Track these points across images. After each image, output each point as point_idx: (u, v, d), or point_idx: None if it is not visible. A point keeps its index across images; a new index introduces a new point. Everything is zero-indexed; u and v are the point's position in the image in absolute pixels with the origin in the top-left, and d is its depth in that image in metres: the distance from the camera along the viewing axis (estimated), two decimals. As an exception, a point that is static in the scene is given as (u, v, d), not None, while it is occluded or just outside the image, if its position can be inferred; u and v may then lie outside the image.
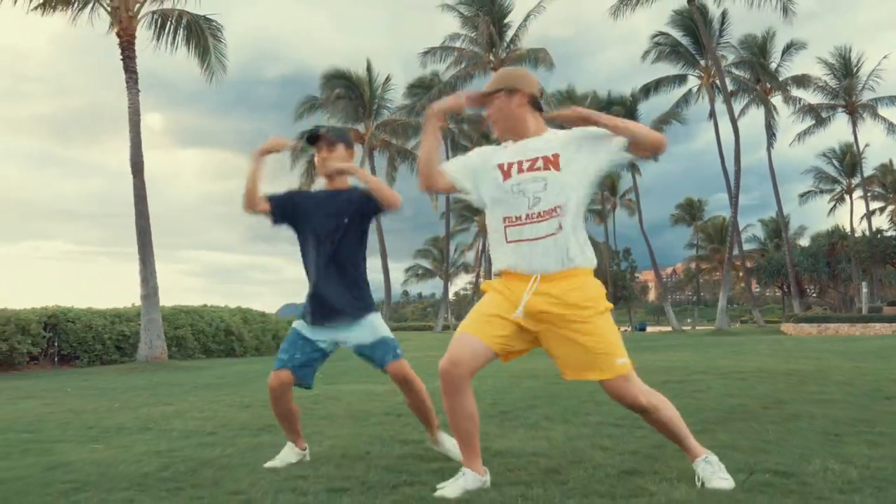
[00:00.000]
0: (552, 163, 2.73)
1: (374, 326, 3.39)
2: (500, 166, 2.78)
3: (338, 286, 3.36)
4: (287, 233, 3.52)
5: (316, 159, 3.57)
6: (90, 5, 15.10)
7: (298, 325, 3.44)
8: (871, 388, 6.15)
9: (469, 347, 2.70)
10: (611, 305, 2.78)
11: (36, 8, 14.94)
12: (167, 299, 18.88)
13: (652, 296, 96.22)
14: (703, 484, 2.73)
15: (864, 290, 35.05)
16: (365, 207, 3.43)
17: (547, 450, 3.63)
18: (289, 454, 3.45)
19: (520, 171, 2.74)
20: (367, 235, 3.55)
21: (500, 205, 2.77)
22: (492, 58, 35.10)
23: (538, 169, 2.73)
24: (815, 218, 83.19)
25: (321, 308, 3.37)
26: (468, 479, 2.75)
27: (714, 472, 2.76)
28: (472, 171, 2.90)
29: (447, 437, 3.43)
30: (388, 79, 32.62)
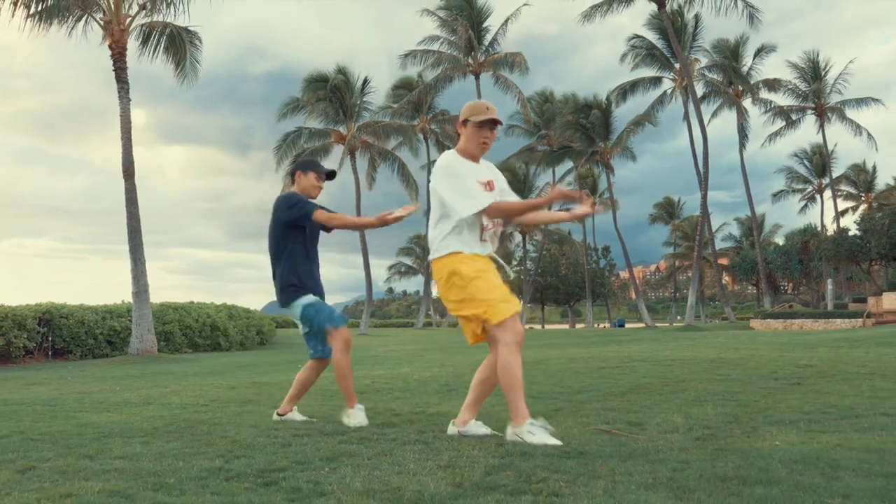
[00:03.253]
0: (490, 186, 3.67)
1: None
2: (482, 183, 3.63)
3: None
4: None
5: (317, 183, 4.60)
6: (84, 19, 15.97)
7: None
8: (770, 371, 7.18)
9: None
10: None
11: (30, 17, 15.74)
12: (153, 297, 19.73)
13: (634, 293, 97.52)
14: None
15: (830, 287, 36.43)
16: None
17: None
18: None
19: (487, 188, 3.64)
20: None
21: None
22: (470, 61, 36.09)
23: (490, 190, 3.65)
24: (792, 216, 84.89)
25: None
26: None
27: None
28: None
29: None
30: (366, 81, 33.52)
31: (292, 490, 2.58)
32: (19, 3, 15.22)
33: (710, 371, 7.37)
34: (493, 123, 3.63)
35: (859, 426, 3.70)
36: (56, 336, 16.73)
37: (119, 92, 15.59)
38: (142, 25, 16.46)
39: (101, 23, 15.89)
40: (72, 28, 15.96)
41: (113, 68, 15.67)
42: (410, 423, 4.14)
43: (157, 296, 20.49)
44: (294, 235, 4.43)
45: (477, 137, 3.62)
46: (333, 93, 32.61)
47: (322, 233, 4.61)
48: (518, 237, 51.98)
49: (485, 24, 36.18)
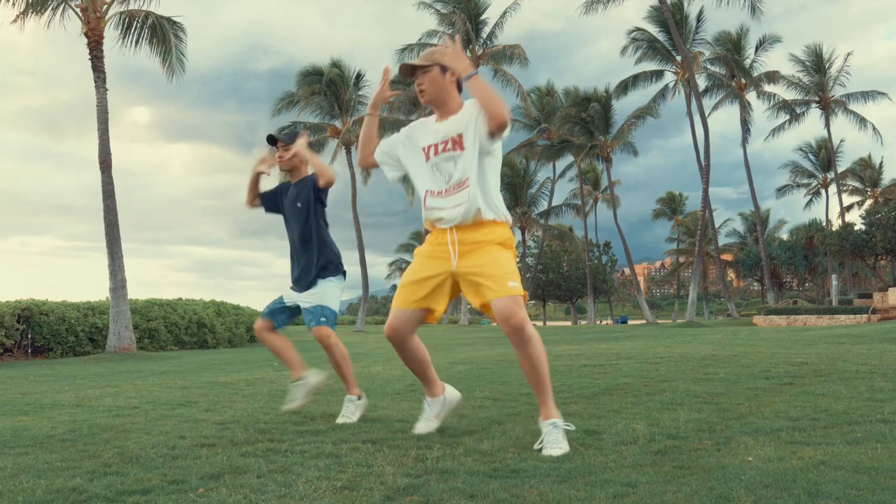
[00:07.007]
0: (458, 143, 3.19)
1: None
2: (424, 149, 3.29)
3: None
4: (275, 227, 4.27)
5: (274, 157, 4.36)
6: (60, 8, 15.48)
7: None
8: (762, 370, 6.66)
9: (402, 315, 3.32)
10: (512, 242, 3.28)
11: (14, 21, 15.36)
12: (157, 294, 19.39)
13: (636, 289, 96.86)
14: (541, 448, 2.99)
15: (835, 282, 35.82)
16: (314, 192, 4.30)
17: (414, 416, 4.11)
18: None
19: (436, 153, 3.25)
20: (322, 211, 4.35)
21: (422, 179, 3.31)
22: (468, 53, 35.53)
23: (450, 150, 3.22)
24: (797, 212, 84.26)
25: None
26: (433, 406, 3.56)
27: (555, 440, 3.00)
28: (395, 155, 3.44)
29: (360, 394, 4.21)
30: (359, 75, 33.01)
31: (137, 521, 2.08)
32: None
33: (698, 370, 6.86)
34: (409, 71, 3.31)
35: (851, 436, 3.18)
36: (36, 333, 16.29)
37: (95, 81, 15.10)
38: (120, 14, 15.96)
39: (78, 11, 15.40)
40: (50, 19, 15.49)
41: (89, 57, 15.19)
42: (339, 431, 3.64)
43: (162, 293, 20.08)
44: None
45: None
46: (329, 87, 32.13)
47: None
48: (518, 233, 51.42)
49: (482, 17, 35.66)
